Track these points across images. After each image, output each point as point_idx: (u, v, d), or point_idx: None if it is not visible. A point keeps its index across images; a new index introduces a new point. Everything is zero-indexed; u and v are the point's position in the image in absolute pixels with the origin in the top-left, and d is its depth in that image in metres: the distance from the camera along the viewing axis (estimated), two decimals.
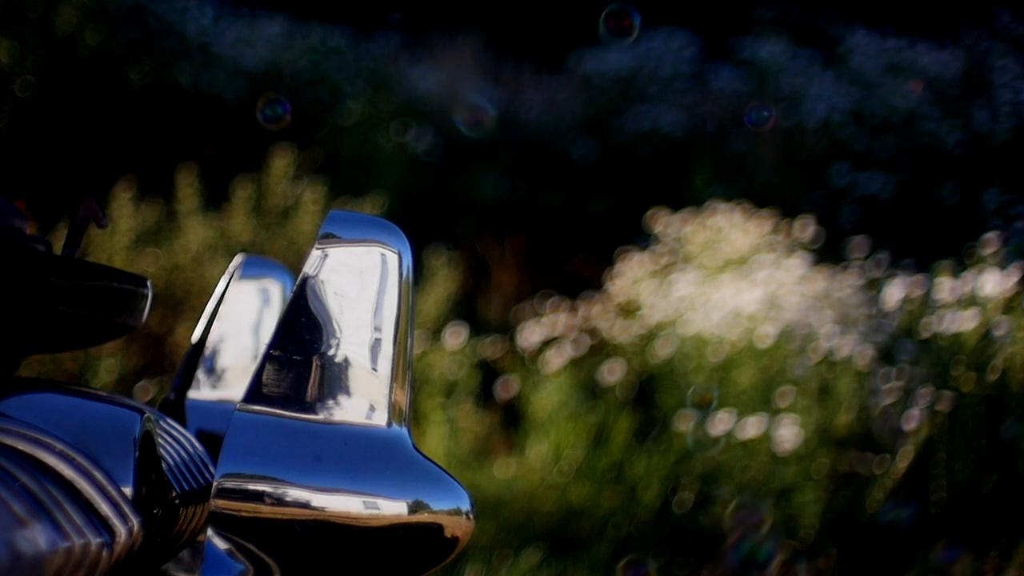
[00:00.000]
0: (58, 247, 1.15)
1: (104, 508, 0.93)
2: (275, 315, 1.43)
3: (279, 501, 0.96)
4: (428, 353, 4.96)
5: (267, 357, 0.98)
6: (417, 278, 4.63)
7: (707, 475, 4.52)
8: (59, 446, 0.94)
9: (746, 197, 6.06)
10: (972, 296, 4.67)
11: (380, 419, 0.99)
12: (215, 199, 5.34)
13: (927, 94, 7.44)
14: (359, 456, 0.98)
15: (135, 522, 0.95)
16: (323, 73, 7.35)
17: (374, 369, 0.99)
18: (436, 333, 5.14)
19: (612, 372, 4.93)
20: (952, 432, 4.42)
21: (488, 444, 4.89)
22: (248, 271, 1.44)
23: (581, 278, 6.21)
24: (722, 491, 4.44)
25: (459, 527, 0.99)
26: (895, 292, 4.84)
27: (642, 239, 5.93)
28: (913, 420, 4.38)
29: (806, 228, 5.47)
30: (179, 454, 1.14)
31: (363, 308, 1.00)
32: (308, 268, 0.99)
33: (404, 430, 1.00)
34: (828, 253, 5.45)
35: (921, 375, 4.53)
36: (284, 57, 7.30)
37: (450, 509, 0.99)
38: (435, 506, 0.98)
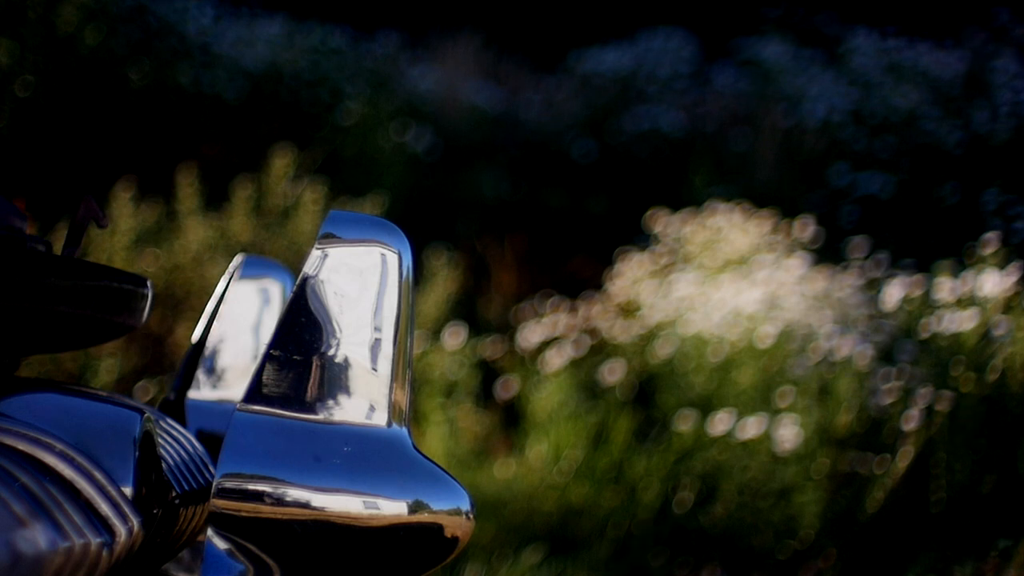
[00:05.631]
0: (58, 247, 1.15)
1: (104, 508, 0.93)
2: (275, 315, 1.43)
3: (279, 501, 0.96)
4: (428, 353, 4.96)
5: (267, 357, 0.98)
6: (417, 278, 4.63)
7: (707, 475, 4.52)
8: (59, 446, 0.94)
9: (746, 197, 6.06)
10: (972, 296, 4.67)
11: (380, 419, 0.99)
12: (215, 199, 5.34)
13: (927, 94, 7.44)
14: (359, 456, 0.98)
15: (135, 522, 0.95)
16: (323, 73, 7.35)
17: (374, 369, 0.99)
18: (436, 333, 5.14)
19: (612, 372, 4.93)
20: (952, 432, 4.42)
21: (488, 444, 4.89)
22: (248, 271, 1.44)
23: (581, 278, 6.21)
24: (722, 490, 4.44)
25: (459, 527, 0.99)
26: (895, 292, 4.84)
27: (642, 239, 5.93)
28: (913, 420, 4.38)
29: (806, 228, 5.48)
30: (179, 454, 1.14)
31: (363, 308, 1.00)
32: (308, 268, 0.99)
33: (404, 430, 1.00)
34: (828, 253, 5.45)
35: (921, 375, 4.52)
36: (284, 57, 7.30)
37: (450, 509, 0.99)
38: (435, 506, 0.98)
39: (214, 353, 1.41)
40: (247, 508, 0.96)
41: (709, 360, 4.79)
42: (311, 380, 0.99)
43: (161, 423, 1.15)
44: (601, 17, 9.10)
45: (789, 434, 4.38)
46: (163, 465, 1.06)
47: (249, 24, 7.66)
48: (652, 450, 4.64)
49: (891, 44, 7.99)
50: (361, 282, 1.00)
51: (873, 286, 5.08)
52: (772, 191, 6.70)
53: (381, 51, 8.10)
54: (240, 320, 1.42)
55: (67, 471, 0.93)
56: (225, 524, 0.97)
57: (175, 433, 1.17)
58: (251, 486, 0.96)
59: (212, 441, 1.32)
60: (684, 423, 4.62)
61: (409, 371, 1.02)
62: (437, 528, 0.98)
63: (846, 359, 4.54)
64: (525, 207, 7.08)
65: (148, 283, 1.17)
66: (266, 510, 0.96)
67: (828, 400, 4.51)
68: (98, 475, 0.95)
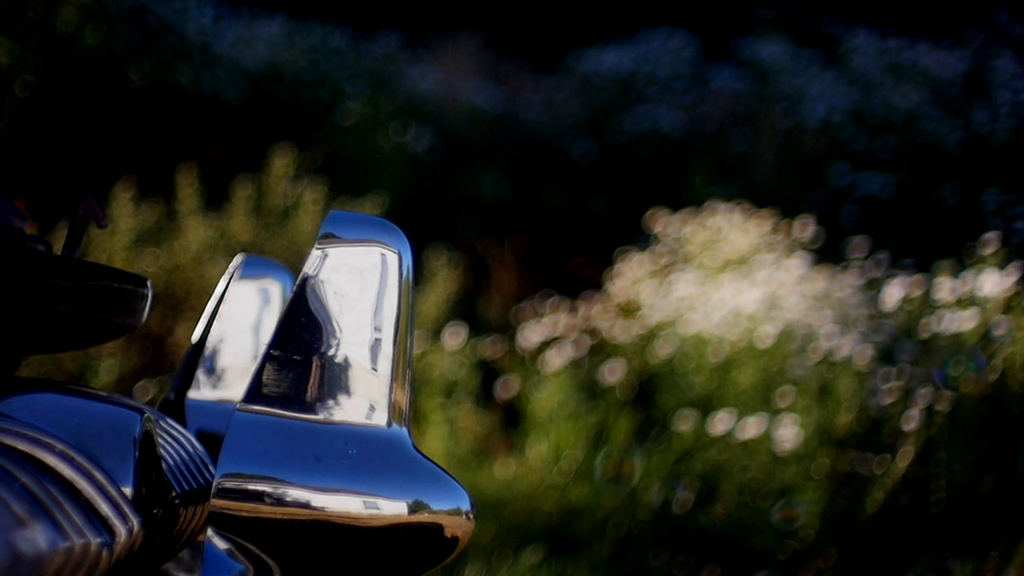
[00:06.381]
0: (58, 247, 1.15)
1: (104, 508, 0.93)
2: (275, 315, 1.43)
3: (279, 501, 0.96)
4: (428, 353, 4.96)
5: (267, 357, 0.98)
6: (417, 278, 4.63)
7: (707, 475, 4.52)
8: (59, 446, 0.94)
9: (746, 197, 6.06)
10: (972, 296, 4.67)
11: (380, 419, 0.99)
12: (215, 199, 5.34)
13: (927, 94, 7.44)
14: (359, 456, 0.98)
15: (135, 522, 0.95)
16: (323, 73, 7.35)
17: (374, 369, 0.99)
18: (436, 333, 5.13)
19: (612, 372, 4.93)
20: (952, 432, 4.42)
21: (488, 444, 4.89)
22: (248, 271, 1.44)
23: (581, 278, 6.21)
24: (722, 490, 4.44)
25: (459, 527, 0.99)
26: (895, 292, 4.84)
27: (642, 239, 5.93)
28: (913, 420, 4.38)
29: (806, 228, 5.47)
30: (179, 454, 1.14)
31: (363, 308, 1.00)
32: (308, 268, 0.99)
33: (404, 430, 1.00)
34: (828, 253, 5.45)
35: (921, 375, 4.52)
36: (284, 57, 7.30)
37: (450, 509, 0.99)
38: (435, 506, 0.98)
39: (214, 353, 1.41)
40: (247, 508, 0.96)
41: (709, 360, 4.79)
42: (311, 380, 0.99)
43: (161, 423, 1.15)
44: (601, 17, 9.09)
45: (789, 434, 4.38)
46: (163, 465, 1.06)
47: (249, 24, 7.65)
48: (652, 450, 4.64)
49: (891, 44, 7.99)
50: (361, 282, 1.00)
51: (873, 286, 5.07)
52: (772, 191, 6.70)
53: (381, 51, 8.10)
54: (240, 320, 1.42)
55: (67, 471, 0.93)
56: (225, 524, 0.97)
57: (175, 433, 1.17)
58: (251, 486, 0.96)
59: (212, 441, 1.32)
60: (684, 423, 4.62)
61: (409, 371, 1.02)
62: (437, 528, 0.98)
63: (846, 359, 4.54)
64: (525, 207, 7.08)
65: (148, 283, 1.17)
66: (266, 510, 0.96)
67: (828, 400, 4.51)
68: (98, 475, 0.95)
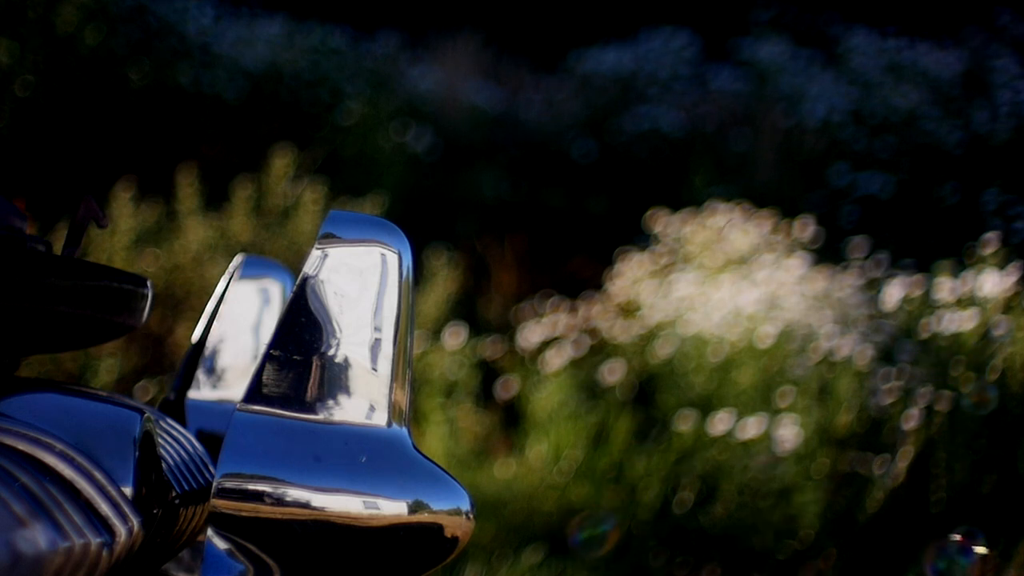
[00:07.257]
0: (58, 247, 1.15)
1: (104, 508, 0.93)
2: (275, 315, 1.43)
3: (279, 501, 0.96)
4: (428, 353, 4.96)
5: (267, 357, 0.98)
6: (417, 278, 4.63)
7: (707, 475, 4.52)
8: (59, 446, 0.94)
9: (746, 197, 6.06)
10: (972, 296, 4.67)
11: (380, 419, 0.99)
12: (215, 199, 5.34)
13: (927, 94, 7.44)
14: (359, 456, 0.98)
15: (135, 522, 0.95)
16: (323, 73, 7.35)
17: (374, 369, 0.99)
18: (436, 333, 5.13)
19: (612, 372, 4.93)
20: (952, 432, 4.42)
21: (488, 444, 4.89)
22: (248, 271, 1.44)
23: (581, 278, 6.21)
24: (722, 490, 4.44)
25: (459, 527, 0.99)
26: (895, 292, 4.84)
27: (642, 239, 5.93)
28: (913, 420, 4.38)
29: (806, 228, 5.47)
30: (179, 454, 1.14)
31: (363, 308, 1.00)
32: (308, 268, 0.99)
33: (404, 430, 1.00)
34: (828, 253, 5.45)
35: (921, 375, 4.52)
36: (284, 57, 7.30)
37: (450, 509, 0.99)
38: (435, 506, 0.98)
39: (214, 353, 1.41)
40: (247, 508, 0.96)
41: (709, 360, 4.79)
42: (311, 380, 0.99)
43: (161, 423, 1.15)
44: (601, 17, 9.09)
45: (789, 434, 4.38)
46: (163, 465, 1.06)
47: (249, 24, 7.65)
48: (652, 450, 4.64)
49: (891, 44, 7.99)
50: (361, 282, 1.00)
51: (873, 286, 5.07)
52: (772, 191, 6.70)
53: (381, 51, 8.10)
54: (240, 320, 1.42)
55: (67, 471, 0.93)
56: (225, 524, 0.97)
57: (175, 433, 1.17)
58: (251, 486, 0.96)
59: (212, 441, 1.32)
60: (684, 423, 4.62)
61: (409, 371, 1.02)
62: (437, 528, 0.98)
63: (846, 359, 4.54)
64: (525, 207, 7.08)
65: (148, 283, 1.17)
66: (266, 510, 0.97)
67: (828, 400, 4.51)
68: (98, 475, 0.95)
